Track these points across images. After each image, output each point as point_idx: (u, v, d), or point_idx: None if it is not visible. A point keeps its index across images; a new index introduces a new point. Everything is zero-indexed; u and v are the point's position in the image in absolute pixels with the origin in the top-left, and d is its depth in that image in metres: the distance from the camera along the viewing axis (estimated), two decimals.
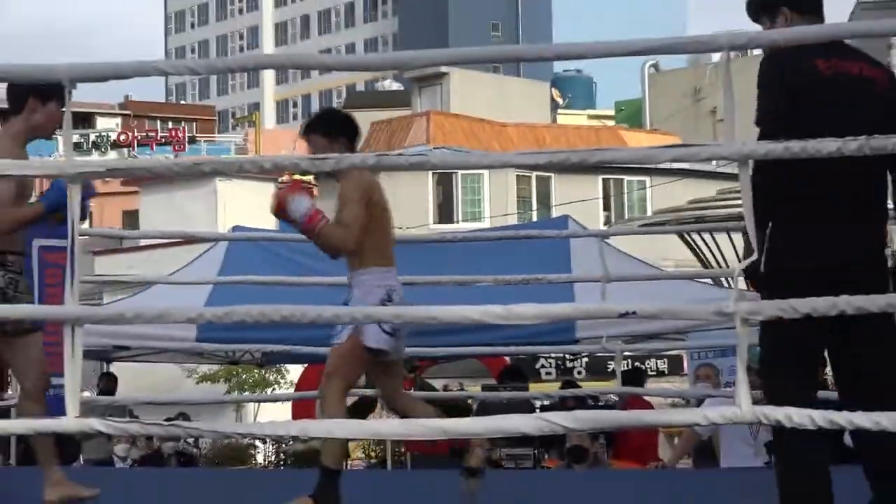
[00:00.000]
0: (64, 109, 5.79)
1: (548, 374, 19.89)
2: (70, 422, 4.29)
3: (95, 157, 56.64)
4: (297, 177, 6.08)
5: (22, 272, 6.10)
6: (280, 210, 5.94)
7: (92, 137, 62.11)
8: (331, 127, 6.20)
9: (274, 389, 26.97)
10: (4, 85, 5.77)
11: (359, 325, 5.87)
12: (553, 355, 20.55)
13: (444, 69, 36.34)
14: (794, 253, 4.67)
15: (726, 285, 14.42)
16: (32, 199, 6.04)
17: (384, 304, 5.96)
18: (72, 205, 4.40)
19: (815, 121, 4.61)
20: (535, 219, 30.78)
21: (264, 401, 27.25)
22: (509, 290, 9.08)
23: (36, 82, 4.60)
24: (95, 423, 4.34)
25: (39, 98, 5.99)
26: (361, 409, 12.22)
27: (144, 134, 63.62)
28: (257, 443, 20.59)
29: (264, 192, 26.47)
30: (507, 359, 14.71)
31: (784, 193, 4.63)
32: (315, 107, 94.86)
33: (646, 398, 12.12)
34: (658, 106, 47.46)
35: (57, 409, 4.52)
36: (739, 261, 4.62)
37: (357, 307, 5.55)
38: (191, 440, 15.39)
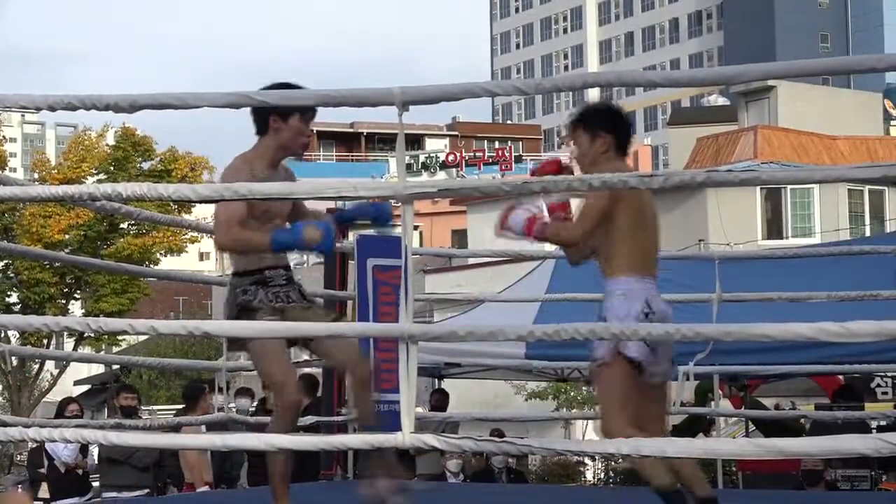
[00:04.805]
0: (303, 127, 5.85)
1: (884, 393, 19.25)
2: (406, 437, 4.38)
3: (425, 177, 58.05)
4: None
5: (291, 280, 5.93)
6: (504, 230, 5.66)
7: (422, 158, 63.68)
8: (596, 123, 5.72)
9: None
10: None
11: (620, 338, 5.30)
12: (889, 374, 19.89)
13: (771, 83, 35.60)
14: None
15: None
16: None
17: (645, 315, 5.40)
18: (405, 224, 4.49)
19: None
20: (867, 234, 29.93)
21: (594, 418, 27.25)
22: (840, 307, 8.84)
23: (370, 104, 4.68)
24: (430, 439, 4.42)
25: (280, 115, 5.88)
26: (693, 427, 12.10)
27: (472, 154, 64.82)
28: (586, 460, 20.62)
29: None
30: (842, 378, 14.34)
31: None
32: (640, 124, 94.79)
33: None
34: None
35: (391, 424, 4.60)
36: None
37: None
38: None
